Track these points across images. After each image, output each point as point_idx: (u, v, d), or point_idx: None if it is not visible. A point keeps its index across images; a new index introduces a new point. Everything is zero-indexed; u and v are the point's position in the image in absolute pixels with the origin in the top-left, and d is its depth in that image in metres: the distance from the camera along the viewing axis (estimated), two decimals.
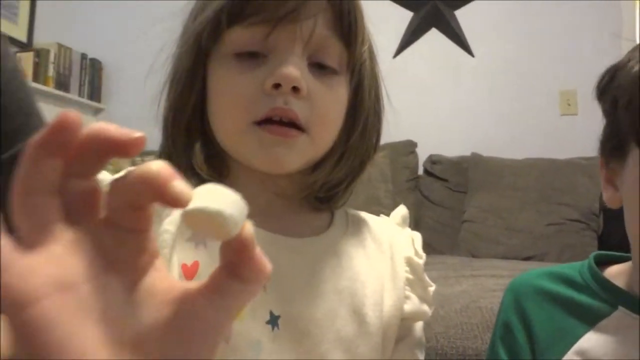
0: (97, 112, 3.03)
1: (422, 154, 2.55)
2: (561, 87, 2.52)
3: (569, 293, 0.57)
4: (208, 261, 0.46)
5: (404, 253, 0.54)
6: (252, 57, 0.47)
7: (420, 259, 0.55)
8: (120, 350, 0.23)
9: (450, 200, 2.37)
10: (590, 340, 0.54)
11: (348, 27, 0.48)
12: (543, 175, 2.11)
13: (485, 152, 2.40)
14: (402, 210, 0.60)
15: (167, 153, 0.51)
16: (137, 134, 0.24)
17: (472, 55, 2.71)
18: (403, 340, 0.53)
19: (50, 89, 2.68)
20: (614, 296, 0.55)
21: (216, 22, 0.47)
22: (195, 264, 0.46)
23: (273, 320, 0.46)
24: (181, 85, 0.49)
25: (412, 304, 0.53)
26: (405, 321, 0.53)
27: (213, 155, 0.51)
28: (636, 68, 0.51)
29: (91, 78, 2.94)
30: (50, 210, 0.23)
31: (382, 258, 0.54)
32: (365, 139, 0.53)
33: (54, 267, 0.22)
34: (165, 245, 0.45)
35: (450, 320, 0.93)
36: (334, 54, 0.49)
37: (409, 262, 0.54)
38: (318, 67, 0.48)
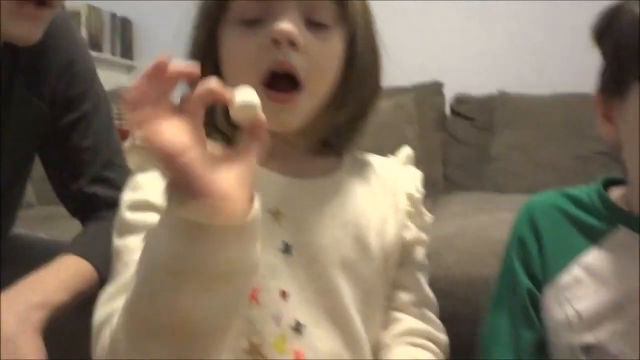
0: (129, 69, 3.13)
1: (449, 94, 2.57)
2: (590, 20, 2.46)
3: (578, 212, 0.63)
4: None
5: (405, 189, 0.62)
6: (255, 23, 0.53)
7: (419, 194, 0.62)
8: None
9: (476, 138, 2.40)
10: (594, 255, 0.60)
11: None
12: (570, 110, 2.11)
13: (513, 90, 2.40)
14: (406, 151, 0.68)
15: None
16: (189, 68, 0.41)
17: None
18: (405, 264, 0.62)
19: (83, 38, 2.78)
20: (615, 215, 0.60)
21: None
22: None
23: (286, 249, 0.55)
24: (197, 55, 0.57)
25: (411, 232, 0.61)
26: (406, 247, 0.61)
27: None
28: (636, 10, 0.55)
29: (122, 37, 3.02)
30: (165, 105, 0.40)
31: (386, 194, 0.62)
32: (364, 86, 0.59)
33: (181, 134, 0.38)
34: None
35: (463, 250, 1.00)
36: (327, 10, 0.55)
37: (409, 197, 0.62)
38: (314, 25, 0.54)
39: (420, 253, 0.64)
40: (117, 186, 0.79)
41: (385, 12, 2.67)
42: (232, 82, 0.55)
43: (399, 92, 2.50)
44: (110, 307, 0.50)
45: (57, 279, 0.68)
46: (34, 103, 0.81)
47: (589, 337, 0.58)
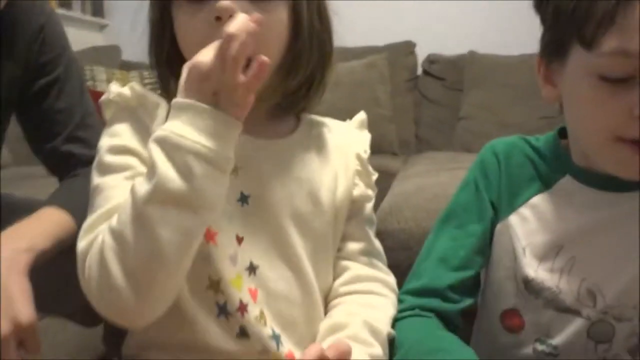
0: (102, 28, 3.09)
1: (422, 54, 2.60)
2: None
3: (534, 157, 0.67)
4: None
5: (355, 150, 0.69)
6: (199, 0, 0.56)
7: (366, 154, 0.69)
8: None
9: (447, 98, 2.45)
10: (542, 199, 0.65)
11: None
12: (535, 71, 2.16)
13: (483, 50, 2.44)
14: (361, 116, 0.74)
15: (160, 79, 0.64)
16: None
17: None
18: (354, 218, 0.68)
19: (53, 8, 2.73)
20: (564, 165, 0.65)
21: None
22: None
23: (243, 199, 0.61)
24: (155, 33, 0.61)
25: (359, 189, 0.68)
26: (354, 203, 0.68)
27: None
28: None
29: None
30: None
31: (338, 155, 0.68)
32: (312, 50, 0.62)
33: None
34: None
35: (420, 206, 1.07)
36: None
37: (358, 157, 0.69)
38: None
39: (368, 208, 0.70)
40: (91, 145, 0.83)
41: None
42: (187, 55, 0.59)
43: (371, 52, 2.53)
44: (94, 233, 0.55)
45: (40, 227, 0.73)
46: (6, 67, 0.84)
47: (530, 271, 0.63)
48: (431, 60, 2.56)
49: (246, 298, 0.60)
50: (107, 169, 0.60)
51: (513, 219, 0.65)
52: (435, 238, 0.71)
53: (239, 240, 0.61)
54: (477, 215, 0.68)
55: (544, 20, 0.63)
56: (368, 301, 0.65)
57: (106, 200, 0.58)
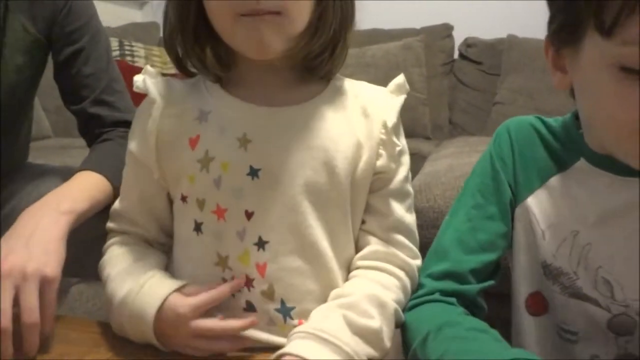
0: (142, 5, 3.13)
1: (459, 38, 2.56)
2: None
3: (550, 138, 0.64)
4: (206, 133, 0.62)
5: (383, 117, 0.64)
6: None
7: (391, 122, 0.64)
8: None
9: (483, 83, 2.41)
10: (558, 181, 0.63)
11: None
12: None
13: (523, 34, 2.39)
14: (398, 79, 0.68)
15: (182, 55, 0.64)
16: None
17: None
18: (378, 191, 0.66)
19: None
20: (578, 148, 0.62)
21: None
22: (197, 137, 0.62)
23: (253, 172, 0.61)
24: (179, 2, 0.61)
25: (383, 160, 0.64)
26: (378, 175, 0.65)
27: (221, 54, 0.63)
28: None
29: None
30: None
31: (363, 121, 0.65)
32: (335, 10, 0.61)
33: None
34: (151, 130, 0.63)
35: (449, 184, 1.06)
36: None
37: (384, 125, 0.64)
38: None
39: (395, 181, 0.66)
40: (117, 108, 0.94)
41: None
42: (215, 20, 0.60)
43: (407, 34, 2.50)
44: (112, 239, 0.70)
45: (80, 190, 0.78)
46: (30, 31, 0.89)
47: (548, 256, 0.62)
48: (468, 43, 2.51)
49: (253, 273, 0.61)
50: (126, 164, 0.69)
51: (531, 201, 0.63)
52: (452, 217, 0.69)
53: (248, 215, 0.61)
54: (495, 197, 0.66)
55: (551, 4, 0.59)
56: (380, 279, 0.63)
57: (123, 196, 0.71)
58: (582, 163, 0.62)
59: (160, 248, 0.70)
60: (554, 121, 0.66)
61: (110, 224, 0.71)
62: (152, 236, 0.69)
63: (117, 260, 0.66)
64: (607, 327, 0.61)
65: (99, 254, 0.71)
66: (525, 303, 0.66)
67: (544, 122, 0.66)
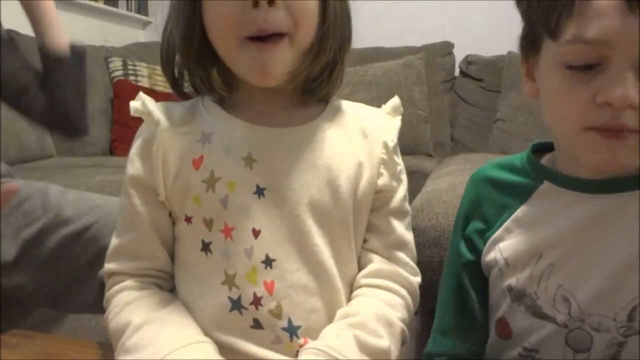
0: (145, 25, 3.17)
1: (459, 55, 2.58)
2: None
3: (509, 177, 0.67)
4: (210, 154, 0.62)
5: (382, 137, 0.66)
6: None
7: (392, 143, 0.66)
8: None
9: (484, 99, 2.43)
10: (523, 211, 0.65)
11: None
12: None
13: None
14: (394, 101, 0.70)
15: (180, 75, 0.65)
16: None
17: None
18: (379, 210, 0.67)
19: (100, 4, 2.81)
20: (541, 173, 0.64)
21: None
22: (201, 157, 0.62)
23: (259, 191, 0.61)
24: (185, 19, 0.61)
25: (384, 179, 0.66)
26: (379, 194, 0.66)
27: (227, 76, 0.63)
28: None
29: None
30: None
31: (363, 141, 0.66)
32: (336, 32, 0.62)
33: None
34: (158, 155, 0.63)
35: (451, 203, 1.06)
36: None
37: (385, 145, 0.66)
38: None
39: (395, 199, 0.67)
40: None
41: None
42: (218, 43, 0.60)
43: (408, 52, 2.52)
44: (117, 279, 0.66)
45: None
46: None
47: (512, 280, 0.64)
48: (469, 61, 2.53)
49: (261, 291, 0.60)
50: (126, 195, 0.66)
51: (498, 233, 0.66)
52: (444, 279, 0.73)
53: (256, 233, 0.61)
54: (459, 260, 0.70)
55: (521, 14, 0.63)
56: (386, 298, 0.65)
57: (128, 226, 0.66)
58: (545, 185, 0.64)
59: (169, 280, 0.68)
60: (513, 158, 0.70)
61: (110, 266, 0.66)
62: (160, 266, 0.67)
63: (139, 308, 0.63)
64: (565, 343, 0.62)
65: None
66: (495, 327, 0.68)
67: (499, 165, 0.70)
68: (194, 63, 0.62)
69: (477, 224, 0.69)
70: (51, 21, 1.04)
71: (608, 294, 0.59)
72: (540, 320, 0.63)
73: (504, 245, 0.65)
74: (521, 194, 0.66)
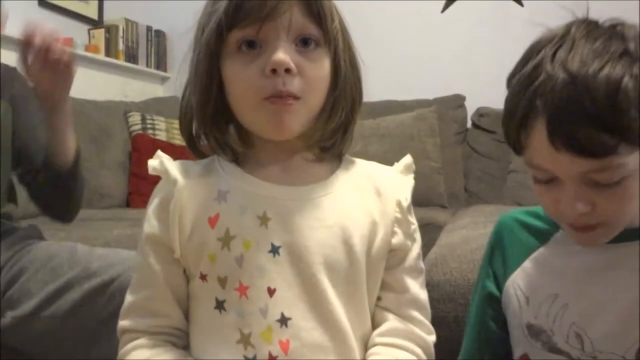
0: (163, 80, 3.26)
1: (471, 107, 2.61)
2: None
3: (533, 221, 0.75)
4: (226, 212, 0.64)
5: (396, 196, 0.68)
6: (250, 46, 0.61)
7: (406, 202, 0.68)
8: None
9: (497, 151, 2.43)
10: (541, 252, 0.73)
11: (317, 12, 0.62)
12: None
13: None
14: (406, 160, 0.72)
15: (197, 135, 0.67)
16: None
17: (522, 5, 2.69)
18: (393, 268, 0.67)
19: (121, 62, 2.91)
20: (556, 222, 0.71)
21: (219, 31, 0.61)
22: (217, 215, 0.64)
23: (274, 250, 0.62)
24: (202, 84, 0.64)
25: (398, 238, 0.67)
26: (393, 252, 0.67)
27: (243, 134, 0.67)
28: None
29: (157, 49, 3.15)
30: None
31: (377, 200, 0.67)
32: (347, 96, 0.66)
33: None
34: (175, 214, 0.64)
35: (465, 257, 1.06)
36: (311, 33, 0.63)
37: (398, 204, 0.67)
38: (303, 44, 0.62)
39: (409, 258, 0.68)
40: None
41: (411, 29, 2.74)
42: (237, 102, 0.64)
43: (421, 105, 2.56)
44: (132, 336, 0.66)
45: None
46: None
47: (531, 318, 0.70)
48: (481, 113, 2.56)
49: (276, 350, 0.60)
50: (142, 252, 0.67)
51: (517, 274, 0.73)
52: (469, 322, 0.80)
53: (271, 292, 0.62)
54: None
55: None
56: (401, 357, 0.64)
57: (142, 284, 0.67)
58: (560, 234, 0.72)
59: (182, 338, 0.68)
60: (536, 207, 0.77)
61: (124, 323, 0.67)
62: (174, 323, 0.67)
63: None
64: None
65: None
66: None
67: (531, 212, 0.78)
68: (210, 125, 0.65)
69: (499, 261, 0.76)
70: (65, 136, 1.08)
71: (618, 333, 0.65)
72: (555, 355, 0.68)
73: (523, 285, 0.72)
74: (542, 237, 0.73)
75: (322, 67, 0.63)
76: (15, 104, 1.10)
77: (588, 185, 0.60)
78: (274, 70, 0.60)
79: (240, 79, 0.62)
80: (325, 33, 0.63)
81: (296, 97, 0.61)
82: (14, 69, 1.11)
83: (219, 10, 0.61)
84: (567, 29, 0.62)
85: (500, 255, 0.76)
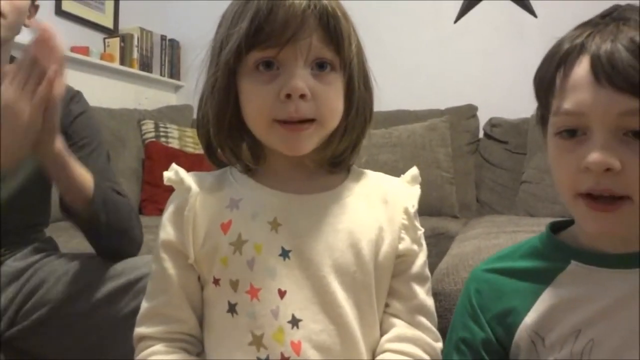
0: (177, 88, 3.29)
1: (484, 118, 2.61)
2: None
3: (524, 263, 0.68)
4: (238, 218, 0.65)
5: (403, 204, 0.70)
6: (268, 67, 0.63)
7: (413, 209, 0.70)
8: None
9: (509, 162, 2.43)
10: (550, 293, 0.65)
11: (336, 38, 0.63)
12: None
13: None
14: (413, 171, 0.74)
15: (216, 146, 0.68)
16: None
17: (535, 16, 2.70)
18: (400, 275, 0.69)
19: (135, 70, 2.94)
20: (566, 253, 0.65)
21: (239, 50, 0.62)
22: (229, 222, 0.66)
23: (285, 253, 0.64)
24: (219, 99, 0.65)
25: (405, 243, 0.68)
26: (400, 258, 0.68)
27: (255, 147, 0.68)
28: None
29: (170, 58, 3.19)
30: None
31: (384, 207, 0.69)
32: (359, 116, 0.68)
33: None
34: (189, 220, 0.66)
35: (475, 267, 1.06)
36: (328, 58, 0.64)
37: (405, 211, 0.69)
38: (319, 68, 0.63)
39: (416, 265, 0.69)
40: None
41: (424, 39, 2.75)
42: (250, 119, 0.65)
43: (433, 115, 2.56)
44: (148, 343, 0.67)
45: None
46: None
47: (550, 358, 0.64)
48: (493, 123, 2.56)
49: (288, 351, 0.62)
50: (157, 259, 0.68)
51: (527, 319, 0.66)
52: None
53: (282, 294, 0.63)
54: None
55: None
56: None
57: (158, 290, 0.68)
58: (573, 266, 0.65)
59: (197, 345, 0.69)
60: (530, 242, 0.70)
61: (140, 329, 0.68)
62: (189, 329, 0.68)
63: None
64: None
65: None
66: None
67: (502, 258, 0.71)
68: (225, 136, 0.67)
69: (492, 312, 0.69)
70: (71, 182, 0.96)
71: None
72: None
73: (537, 328, 0.66)
74: (543, 277, 0.66)
75: (336, 90, 0.65)
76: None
77: (619, 140, 0.57)
78: (288, 95, 0.61)
79: (255, 99, 0.64)
80: (341, 58, 0.65)
81: (311, 120, 0.63)
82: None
83: (240, 31, 0.62)
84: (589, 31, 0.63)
85: (491, 307, 0.69)
